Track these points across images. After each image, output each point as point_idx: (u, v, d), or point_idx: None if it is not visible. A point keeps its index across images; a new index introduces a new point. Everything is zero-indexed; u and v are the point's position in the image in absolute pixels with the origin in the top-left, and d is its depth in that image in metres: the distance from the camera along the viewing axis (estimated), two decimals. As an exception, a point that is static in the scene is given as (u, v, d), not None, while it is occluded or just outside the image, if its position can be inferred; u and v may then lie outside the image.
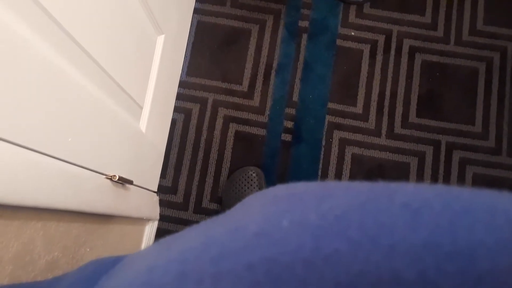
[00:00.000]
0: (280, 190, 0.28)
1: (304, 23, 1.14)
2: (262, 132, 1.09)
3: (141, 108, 0.80)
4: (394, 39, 1.14)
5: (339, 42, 1.14)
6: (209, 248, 0.23)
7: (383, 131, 1.09)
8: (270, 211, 0.25)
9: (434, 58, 1.13)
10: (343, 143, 1.09)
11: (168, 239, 0.29)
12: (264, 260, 0.21)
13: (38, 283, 0.44)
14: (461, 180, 1.07)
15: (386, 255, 0.19)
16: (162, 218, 1.05)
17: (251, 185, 1.01)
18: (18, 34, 0.38)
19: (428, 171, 1.08)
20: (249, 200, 0.31)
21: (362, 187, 0.25)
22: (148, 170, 0.92)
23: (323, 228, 0.22)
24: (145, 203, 0.91)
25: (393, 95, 1.11)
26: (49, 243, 0.52)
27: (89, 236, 0.65)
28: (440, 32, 1.14)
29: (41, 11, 0.43)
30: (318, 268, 0.20)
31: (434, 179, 1.08)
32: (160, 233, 1.04)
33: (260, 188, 1.01)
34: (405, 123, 1.10)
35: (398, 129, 1.10)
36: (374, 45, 1.14)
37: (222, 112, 1.10)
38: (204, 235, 0.26)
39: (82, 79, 0.54)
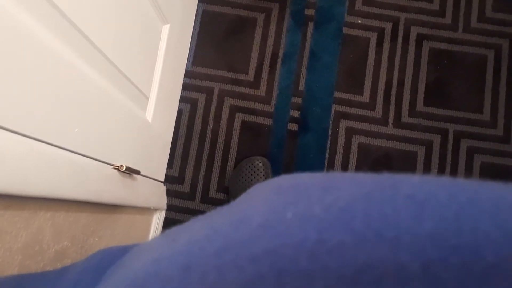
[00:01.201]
0: (285, 180, 0.28)
1: (310, 11, 1.13)
2: (268, 121, 1.09)
3: (147, 98, 0.80)
4: (401, 27, 1.13)
5: (345, 30, 1.13)
6: (213, 240, 0.23)
7: (390, 120, 1.09)
8: (275, 203, 0.25)
9: (442, 46, 1.12)
10: (350, 132, 1.08)
11: (173, 230, 0.29)
12: (268, 252, 0.21)
13: (47, 273, 0.45)
14: (469, 169, 1.07)
15: (391, 247, 0.19)
16: (169, 208, 1.06)
17: (257, 174, 1.01)
18: (25, 26, 0.38)
19: (435, 160, 1.07)
20: (253, 190, 0.30)
21: (367, 178, 0.24)
22: (155, 160, 0.93)
23: (327, 220, 0.21)
24: (152, 193, 0.92)
25: (400, 83, 1.10)
26: (58, 233, 0.52)
27: (98, 226, 0.65)
28: (448, 19, 1.13)
29: (47, 2, 0.42)
30: (322, 260, 0.20)
31: (442, 168, 1.07)
32: (168, 223, 1.05)
33: (266, 178, 1.01)
34: (412, 112, 1.09)
35: (405, 117, 1.09)
36: (381, 33, 1.12)
37: (228, 102, 1.10)
38: (208, 226, 0.26)
39: (88, 69, 0.54)
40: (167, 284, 0.22)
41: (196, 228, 0.27)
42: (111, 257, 0.37)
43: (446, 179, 0.23)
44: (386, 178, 0.24)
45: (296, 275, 0.20)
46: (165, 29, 0.85)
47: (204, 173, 1.08)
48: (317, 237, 0.21)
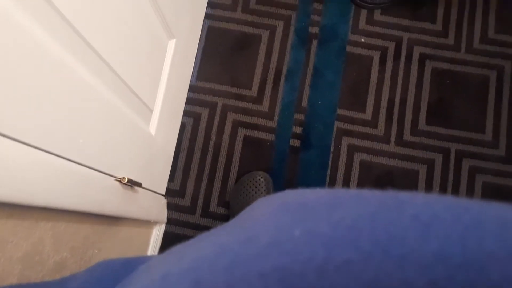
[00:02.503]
0: (290, 197, 0.28)
1: (314, 29, 1.15)
2: (270, 137, 1.09)
3: (151, 111, 0.81)
4: (404, 46, 1.14)
5: (349, 48, 1.14)
6: (222, 256, 0.24)
7: (392, 138, 1.09)
8: (282, 220, 0.25)
9: (445, 66, 1.12)
10: (352, 149, 1.09)
11: (179, 247, 0.29)
12: (277, 269, 0.21)
13: (46, 283, 0.44)
14: (470, 189, 1.06)
15: (397, 265, 0.20)
16: (170, 221, 1.06)
17: (258, 189, 1.01)
18: (33, 37, 0.39)
19: (437, 179, 1.07)
20: (258, 205, 0.31)
21: (372, 196, 0.25)
22: (157, 173, 0.93)
23: (335, 238, 0.22)
24: (153, 206, 0.92)
25: (403, 102, 1.11)
26: (58, 244, 0.52)
27: (98, 238, 0.65)
28: (450, 40, 1.14)
29: (58, 16, 0.43)
30: (330, 277, 0.20)
31: (443, 187, 1.07)
32: (167, 236, 1.05)
33: (267, 193, 1.01)
34: (414, 130, 1.09)
35: (407, 136, 1.09)
36: (384, 52, 1.13)
37: (231, 116, 1.10)
38: (216, 243, 0.26)
39: (95, 81, 0.54)
40: None
41: (203, 245, 0.27)
42: (113, 270, 0.37)
43: (450, 199, 0.23)
44: (391, 198, 0.24)
45: None
46: (171, 44, 0.86)
47: (205, 187, 1.08)
48: (325, 255, 0.21)
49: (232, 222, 0.29)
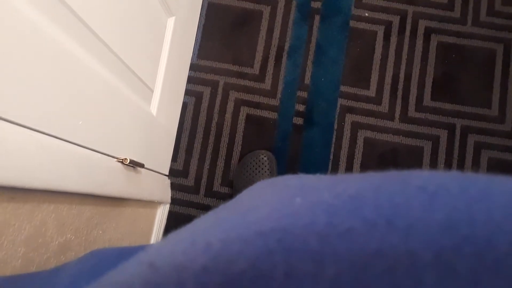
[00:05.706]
0: (291, 179, 0.28)
1: (316, 4, 1.12)
2: (273, 115, 1.08)
3: (152, 91, 0.80)
4: (409, 20, 1.11)
5: (352, 23, 1.11)
6: (219, 224, 0.23)
7: (397, 115, 1.08)
8: (283, 195, 0.25)
9: (451, 40, 1.10)
10: (356, 126, 1.08)
11: (173, 232, 0.29)
12: (276, 230, 0.21)
13: (36, 274, 0.44)
14: (476, 165, 1.06)
15: (402, 236, 0.19)
16: (174, 201, 1.06)
17: (262, 168, 1.00)
18: (28, 18, 0.38)
19: (442, 155, 1.06)
20: (258, 187, 0.30)
21: (376, 174, 0.24)
22: (160, 154, 0.93)
23: (337, 206, 0.21)
24: (157, 186, 0.92)
25: (407, 77, 1.09)
26: (62, 226, 0.52)
27: (102, 219, 0.65)
28: (456, 13, 1.11)
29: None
30: (333, 244, 0.20)
31: (449, 164, 1.06)
32: (172, 216, 1.05)
33: (271, 172, 1.01)
34: (419, 106, 1.08)
35: (412, 112, 1.08)
36: (388, 26, 1.11)
37: (233, 95, 1.09)
38: (213, 217, 0.25)
39: (93, 62, 0.53)
40: (172, 258, 0.22)
41: (199, 222, 0.26)
42: (107, 261, 0.36)
43: (456, 173, 0.23)
44: (395, 173, 0.24)
45: (307, 256, 0.19)
46: (170, 21, 0.84)
47: (208, 167, 1.07)
48: (327, 221, 0.20)
49: (230, 201, 0.29)
